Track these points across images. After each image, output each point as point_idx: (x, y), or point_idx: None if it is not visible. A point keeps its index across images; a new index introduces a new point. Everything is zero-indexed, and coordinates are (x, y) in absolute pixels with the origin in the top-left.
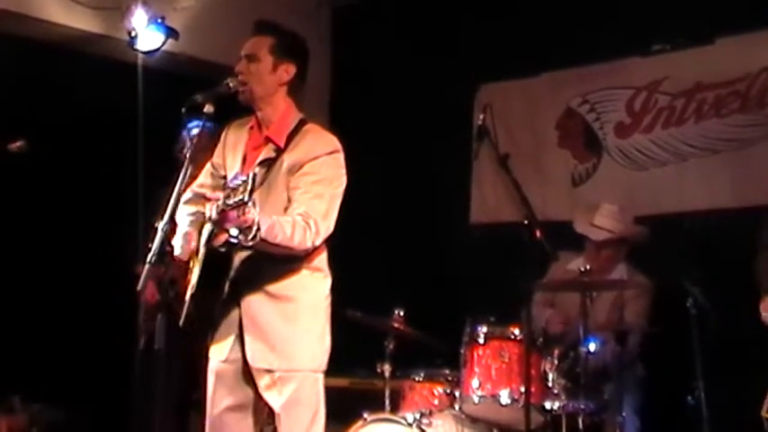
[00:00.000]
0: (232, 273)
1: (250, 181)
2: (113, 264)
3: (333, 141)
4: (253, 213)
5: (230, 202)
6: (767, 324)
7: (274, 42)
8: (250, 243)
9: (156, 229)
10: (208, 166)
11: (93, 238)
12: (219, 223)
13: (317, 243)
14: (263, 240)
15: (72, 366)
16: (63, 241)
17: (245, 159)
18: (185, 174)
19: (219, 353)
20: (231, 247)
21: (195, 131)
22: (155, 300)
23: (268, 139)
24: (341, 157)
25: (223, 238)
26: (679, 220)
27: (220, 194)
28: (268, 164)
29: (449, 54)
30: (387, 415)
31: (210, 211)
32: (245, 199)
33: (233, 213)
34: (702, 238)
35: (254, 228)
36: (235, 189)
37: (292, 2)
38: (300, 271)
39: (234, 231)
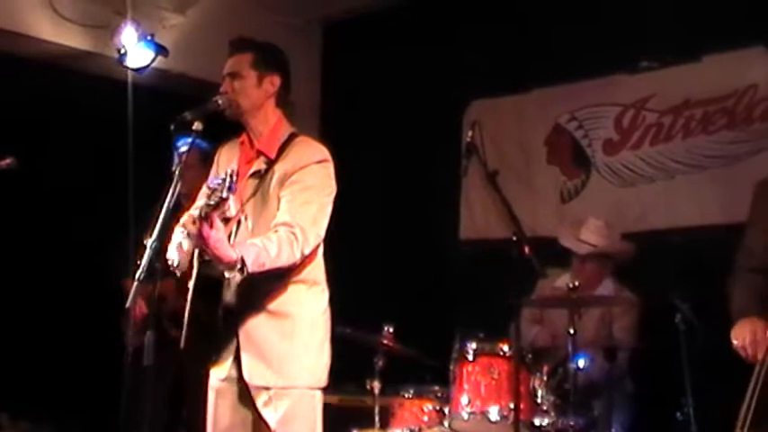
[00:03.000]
0: (227, 291)
1: (228, 178)
2: (103, 280)
3: (322, 151)
4: (235, 252)
5: (211, 202)
6: (739, 351)
7: (254, 57)
8: (238, 278)
9: (145, 246)
10: (204, 188)
11: (82, 255)
12: (202, 238)
13: (307, 252)
14: (250, 273)
15: (61, 383)
16: (52, 258)
17: (237, 174)
18: (174, 190)
19: (219, 371)
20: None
21: (184, 149)
22: (143, 315)
23: (259, 152)
24: (330, 166)
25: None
26: (667, 237)
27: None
28: (260, 175)
29: (438, 71)
30: None
31: (191, 223)
32: (225, 195)
33: (212, 238)
34: (690, 255)
35: (238, 264)
36: (214, 189)
37: (283, 19)
38: (296, 286)
39: (223, 272)
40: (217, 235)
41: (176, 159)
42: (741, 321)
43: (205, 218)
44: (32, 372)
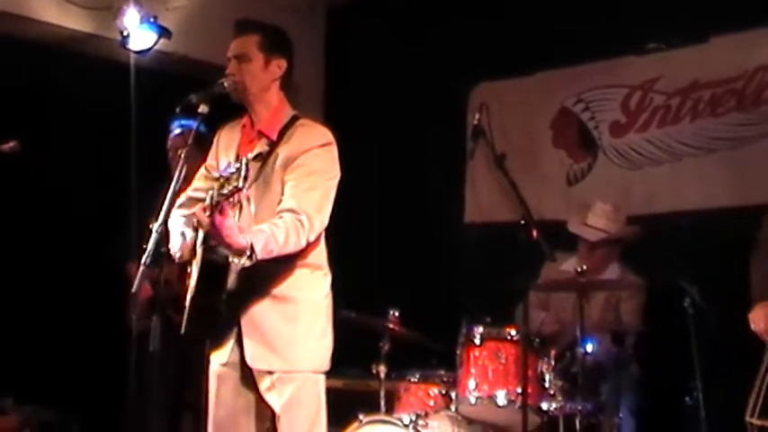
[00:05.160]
0: (230, 275)
1: (243, 167)
2: (106, 264)
3: (326, 134)
4: (245, 238)
5: (224, 191)
6: (758, 333)
7: (261, 39)
8: (247, 265)
9: (151, 230)
10: (202, 169)
11: (86, 239)
12: (214, 227)
13: (312, 238)
14: (258, 260)
15: (65, 367)
16: (55, 242)
17: (238, 157)
18: (179, 174)
19: (220, 356)
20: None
21: (177, 131)
22: (148, 299)
23: (261, 134)
24: (334, 149)
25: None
26: (675, 220)
27: (212, 191)
28: (262, 158)
29: (443, 54)
30: (382, 416)
31: (202, 211)
32: (239, 185)
33: (224, 226)
34: (698, 238)
35: (248, 251)
36: (228, 178)
37: (286, 2)
38: (300, 270)
39: (232, 258)
40: (229, 222)
41: (169, 143)
42: (762, 304)
43: (216, 206)
44: (37, 356)
